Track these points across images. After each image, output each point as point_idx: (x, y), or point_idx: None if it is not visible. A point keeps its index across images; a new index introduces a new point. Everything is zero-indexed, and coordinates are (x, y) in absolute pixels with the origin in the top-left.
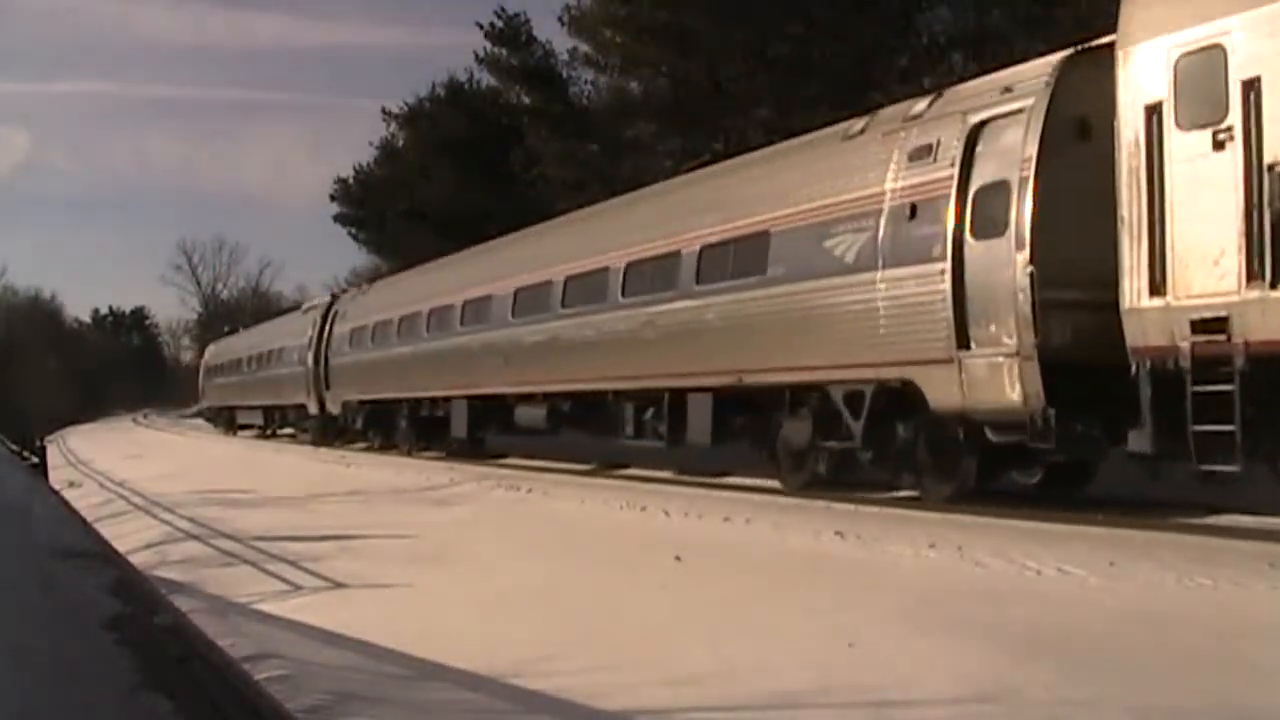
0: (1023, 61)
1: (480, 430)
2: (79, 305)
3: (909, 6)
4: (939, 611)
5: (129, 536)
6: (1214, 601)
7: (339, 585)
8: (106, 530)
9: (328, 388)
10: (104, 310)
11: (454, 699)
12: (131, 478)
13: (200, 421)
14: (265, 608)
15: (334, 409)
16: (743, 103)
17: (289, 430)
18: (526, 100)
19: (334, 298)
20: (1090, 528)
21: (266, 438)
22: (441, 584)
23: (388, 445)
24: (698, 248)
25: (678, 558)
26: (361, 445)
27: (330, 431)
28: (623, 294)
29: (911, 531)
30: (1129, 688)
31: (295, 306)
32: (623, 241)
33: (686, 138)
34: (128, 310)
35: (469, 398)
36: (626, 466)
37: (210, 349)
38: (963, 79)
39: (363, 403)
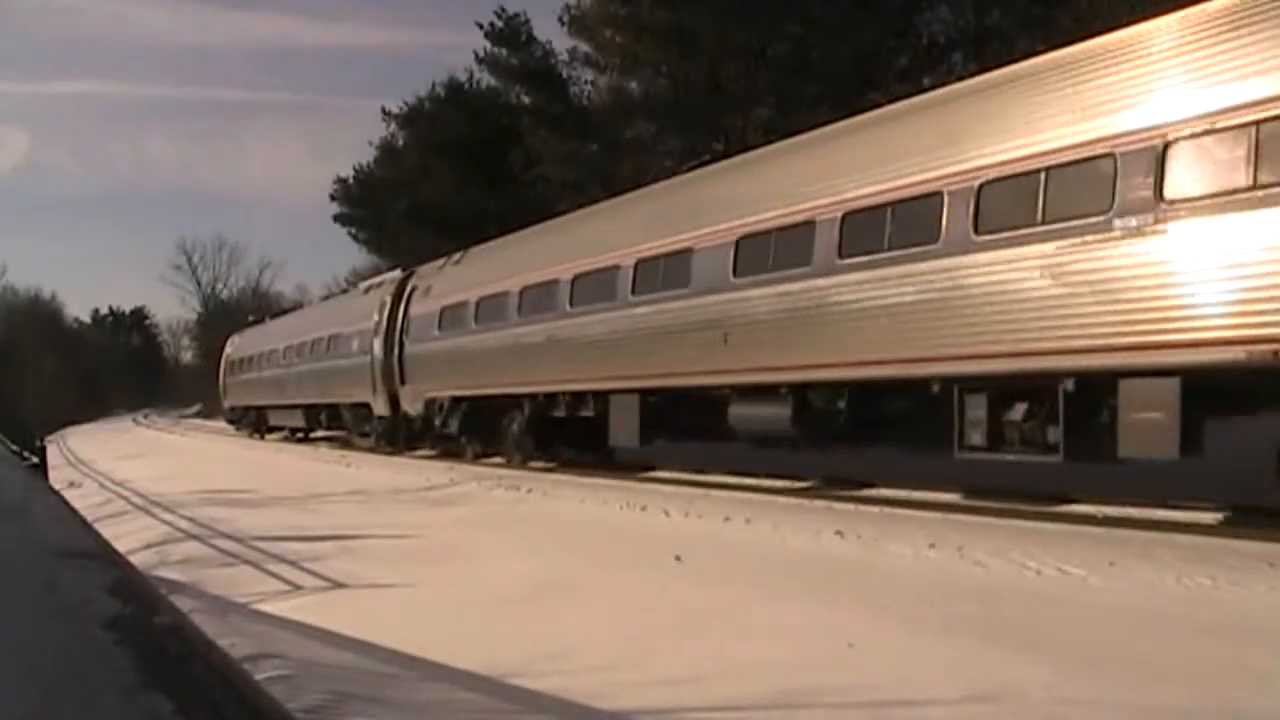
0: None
1: (656, 434)
2: (79, 305)
3: (909, 6)
4: (939, 611)
5: (129, 536)
6: (1214, 601)
7: (339, 585)
8: (107, 530)
9: (403, 382)
10: (104, 310)
11: (454, 699)
12: (132, 478)
13: (200, 420)
14: (266, 608)
15: (412, 407)
16: (743, 103)
17: (325, 434)
18: (526, 100)
19: (409, 272)
20: (1090, 528)
21: (300, 442)
22: (442, 584)
23: (488, 453)
24: (1157, 145)
25: (678, 558)
26: (426, 452)
27: (400, 435)
28: (976, 231)
29: (911, 531)
30: (1129, 688)
31: (297, 305)
32: (972, 151)
33: (686, 138)
34: (128, 310)
35: (643, 391)
36: (870, 485)
37: (233, 341)
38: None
39: (457, 400)
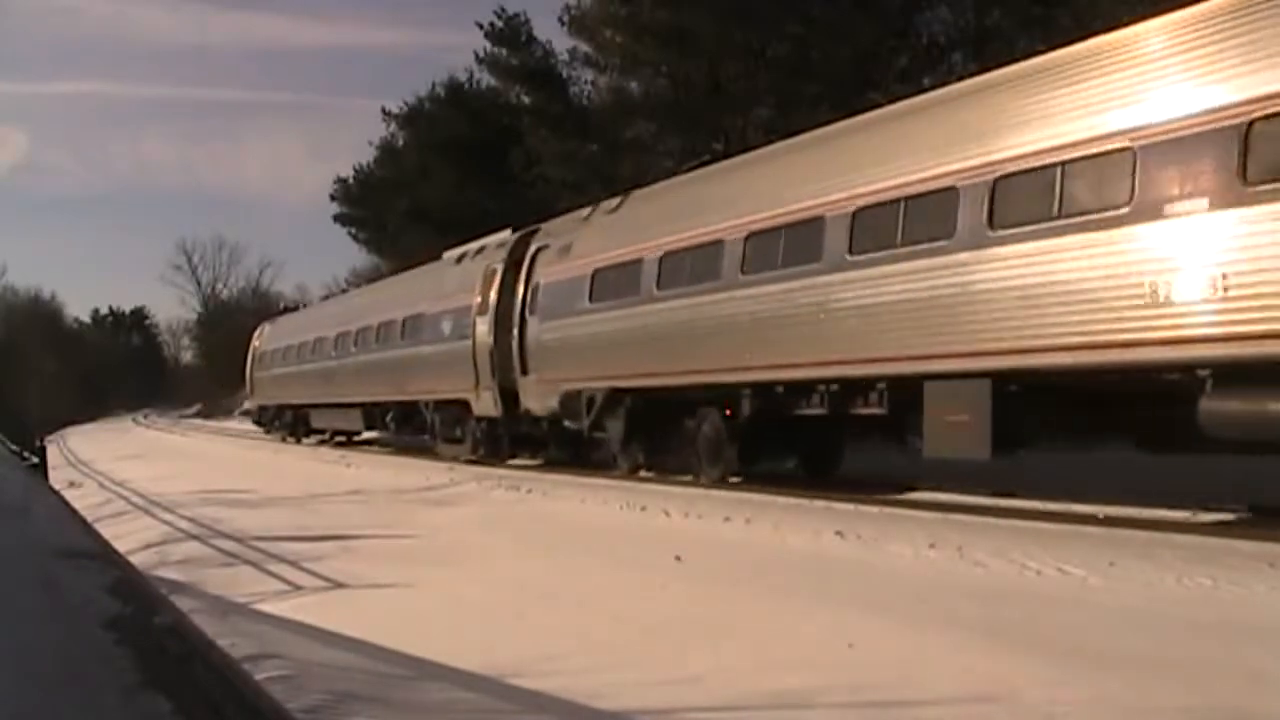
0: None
1: (1017, 440)
2: (79, 305)
3: (909, 6)
4: (939, 611)
5: (129, 536)
6: (1214, 601)
7: (339, 585)
8: (107, 530)
9: (525, 371)
10: (104, 310)
11: (454, 699)
12: (132, 478)
13: (200, 421)
14: (265, 608)
15: (540, 404)
16: (743, 103)
17: (369, 436)
18: (526, 100)
19: (527, 230)
20: (1090, 528)
21: (341, 445)
22: (442, 584)
23: (651, 466)
24: None
25: (678, 558)
26: (526, 462)
27: (506, 442)
28: None
29: (911, 531)
30: (1129, 688)
31: (295, 307)
32: None
33: (686, 138)
34: (128, 310)
35: (999, 375)
36: None
37: (264, 329)
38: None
39: (617, 393)
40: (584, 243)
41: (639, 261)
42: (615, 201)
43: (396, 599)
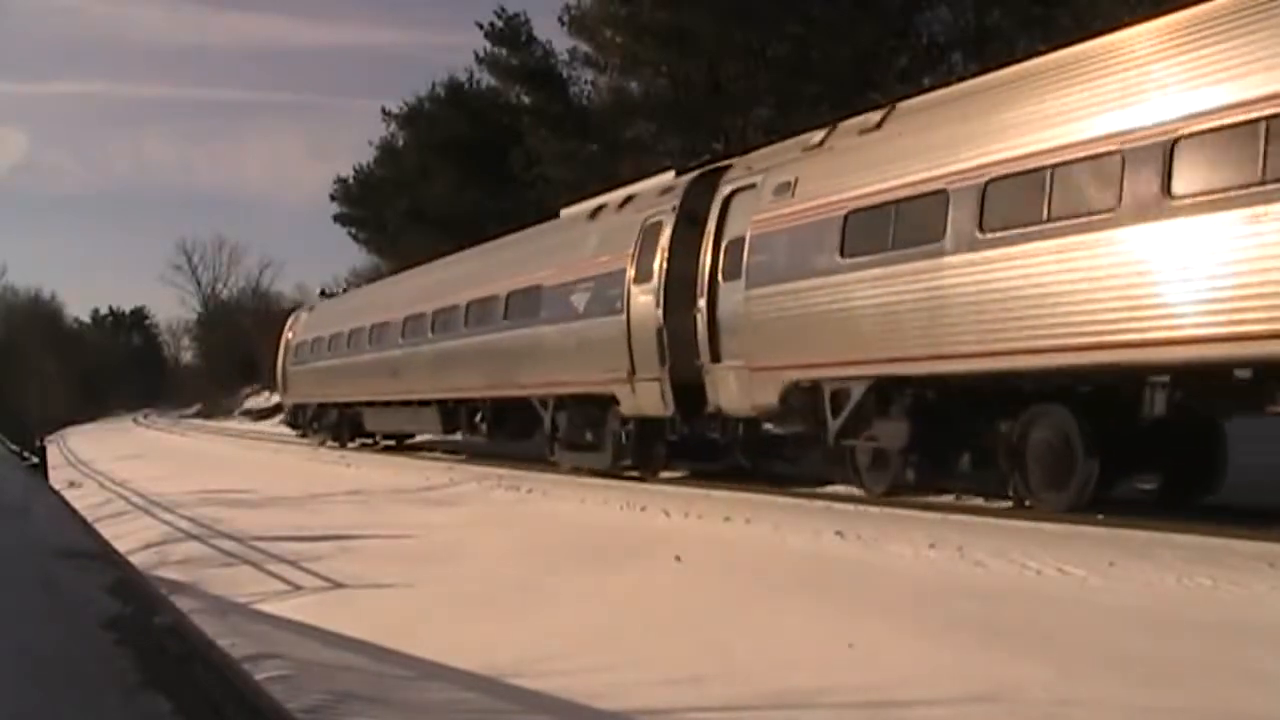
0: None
1: None
2: (79, 305)
3: (909, 6)
4: (939, 611)
5: (129, 536)
6: (1214, 602)
7: (339, 585)
8: (107, 530)
9: (716, 357)
10: (104, 310)
11: (454, 699)
12: (132, 478)
13: (200, 421)
14: (265, 608)
15: (739, 400)
16: (743, 103)
17: (438, 441)
18: (526, 100)
19: (707, 168)
20: (1090, 528)
21: (392, 450)
22: (442, 584)
23: (921, 486)
24: None
25: (678, 558)
26: (672, 474)
27: (659, 448)
28: None
29: (911, 531)
30: (1129, 688)
31: (297, 305)
32: None
33: (686, 138)
34: (128, 310)
35: None
36: None
37: (301, 316)
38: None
39: (886, 384)
40: (822, 177)
41: (938, 194)
42: (875, 117)
43: (396, 599)
